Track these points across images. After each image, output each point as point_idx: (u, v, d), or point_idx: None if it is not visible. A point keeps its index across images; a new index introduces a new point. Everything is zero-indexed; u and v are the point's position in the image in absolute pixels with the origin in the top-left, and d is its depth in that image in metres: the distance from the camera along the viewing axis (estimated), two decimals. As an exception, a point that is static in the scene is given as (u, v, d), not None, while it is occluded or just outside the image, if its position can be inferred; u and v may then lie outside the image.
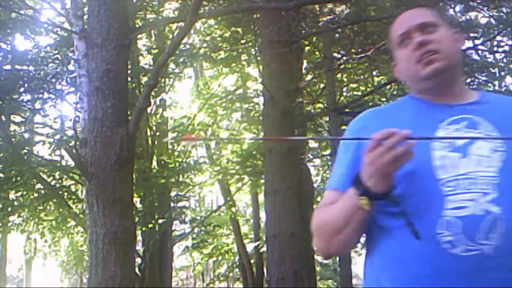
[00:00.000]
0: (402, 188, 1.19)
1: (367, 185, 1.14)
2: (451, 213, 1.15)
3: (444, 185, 1.19)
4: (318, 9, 8.54)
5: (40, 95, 7.92)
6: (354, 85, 11.55)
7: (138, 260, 8.67)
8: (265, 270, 11.32)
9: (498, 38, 9.68)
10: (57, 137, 7.71)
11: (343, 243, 1.26)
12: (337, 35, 9.27)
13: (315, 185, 13.78)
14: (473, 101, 1.35)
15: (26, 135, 8.88)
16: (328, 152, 9.99)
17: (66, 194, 8.59)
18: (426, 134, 1.23)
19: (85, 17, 5.30)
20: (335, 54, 9.56)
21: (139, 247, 9.43)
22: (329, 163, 9.51)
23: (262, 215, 11.38)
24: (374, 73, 10.83)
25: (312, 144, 12.65)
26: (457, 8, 9.26)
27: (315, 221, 1.31)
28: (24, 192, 8.53)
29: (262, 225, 12.42)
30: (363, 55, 7.59)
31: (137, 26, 7.98)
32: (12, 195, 8.87)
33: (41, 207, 8.93)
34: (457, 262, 1.13)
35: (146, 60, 10.04)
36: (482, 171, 1.19)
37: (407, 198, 1.18)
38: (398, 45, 1.38)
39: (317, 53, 10.11)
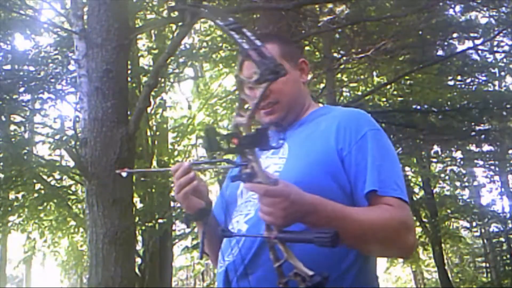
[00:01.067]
0: (224, 212, 1.41)
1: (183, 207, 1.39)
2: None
3: (237, 211, 1.38)
4: (318, 9, 8.54)
5: (40, 95, 7.92)
6: (354, 85, 11.55)
7: (138, 260, 8.67)
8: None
9: (498, 38, 9.67)
10: (57, 137, 7.71)
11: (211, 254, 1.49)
12: (337, 35, 9.27)
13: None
14: (296, 123, 1.46)
15: (26, 135, 8.87)
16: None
17: (66, 194, 8.59)
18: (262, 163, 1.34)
19: (85, 17, 5.30)
20: (335, 54, 9.56)
21: (139, 247, 9.43)
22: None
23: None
24: (374, 73, 10.84)
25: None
26: (457, 8, 9.25)
27: None
28: (24, 192, 8.53)
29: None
30: (363, 55, 7.60)
31: (137, 26, 7.97)
32: (12, 195, 8.87)
33: (41, 207, 8.92)
34: (217, 279, 1.34)
35: (146, 60, 10.04)
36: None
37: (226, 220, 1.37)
38: (245, 84, 1.40)
39: (317, 53, 10.11)
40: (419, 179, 15.05)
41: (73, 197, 8.76)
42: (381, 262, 23.25)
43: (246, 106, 1.19)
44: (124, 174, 1.51)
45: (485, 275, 16.28)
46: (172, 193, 10.44)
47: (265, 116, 1.44)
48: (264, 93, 1.28)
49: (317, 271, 1.05)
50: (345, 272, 1.27)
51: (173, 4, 10.22)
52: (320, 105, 1.55)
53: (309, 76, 1.50)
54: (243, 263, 1.26)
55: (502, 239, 14.50)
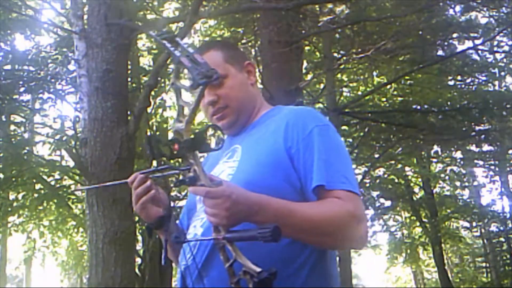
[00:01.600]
0: (186, 219, 1.46)
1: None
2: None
3: (195, 216, 1.41)
4: (318, 9, 8.54)
5: (40, 95, 7.92)
6: (354, 85, 11.55)
7: (138, 260, 8.67)
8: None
9: (498, 38, 9.67)
10: (57, 137, 7.71)
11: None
12: (337, 35, 9.27)
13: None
14: (248, 126, 1.49)
15: (26, 135, 8.87)
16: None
17: (66, 194, 8.59)
18: (216, 169, 1.43)
19: (85, 17, 5.30)
20: (335, 54, 9.56)
21: (139, 247, 9.42)
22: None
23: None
24: (374, 73, 10.84)
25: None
26: (457, 8, 9.25)
27: None
28: (24, 192, 8.53)
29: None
30: (363, 55, 7.59)
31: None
32: (12, 195, 8.87)
33: (41, 207, 8.93)
34: (179, 280, 1.37)
35: (146, 60, 10.04)
36: None
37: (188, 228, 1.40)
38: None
39: (317, 53, 10.11)
40: (419, 179, 15.05)
41: (73, 196, 8.76)
42: (381, 262, 23.28)
43: (185, 112, 1.22)
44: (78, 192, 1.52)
45: (485, 275, 16.28)
46: (172, 193, 10.45)
47: (217, 121, 1.48)
48: (211, 101, 1.41)
49: (266, 268, 1.07)
50: (300, 268, 1.28)
51: (173, 3, 10.24)
52: (271, 106, 1.57)
53: (256, 78, 1.54)
54: (197, 267, 1.29)
55: (502, 239, 14.51)
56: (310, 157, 1.31)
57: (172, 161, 1.24)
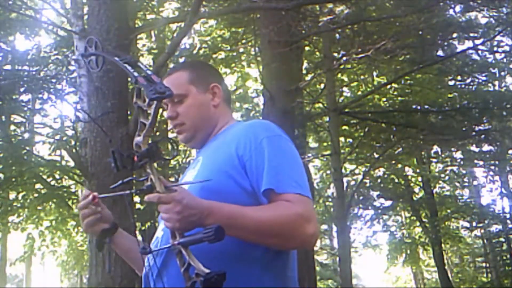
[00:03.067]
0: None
1: None
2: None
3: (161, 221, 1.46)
4: (318, 9, 8.54)
5: (40, 95, 7.92)
6: (354, 85, 11.55)
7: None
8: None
9: (498, 38, 9.66)
10: (57, 137, 7.71)
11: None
12: (337, 35, 9.27)
13: (315, 185, 13.79)
14: (210, 139, 1.61)
15: (26, 135, 8.87)
16: (328, 152, 9.99)
17: (65, 194, 8.59)
18: (183, 179, 1.53)
19: (85, 17, 5.30)
20: (335, 54, 9.56)
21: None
22: (329, 163, 9.51)
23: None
24: (374, 73, 10.84)
25: (312, 144, 12.66)
26: (457, 8, 9.25)
27: None
28: (24, 192, 8.53)
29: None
30: (363, 55, 7.59)
31: (137, 26, 7.97)
32: (12, 195, 8.87)
33: (41, 207, 8.92)
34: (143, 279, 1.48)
35: (146, 60, 10.03)
36: None
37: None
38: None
39: (317, 53, 10.11)
40: (419, 179, 15.05)
41: (73, 197, 8.75)
42: (381, 262, 23.27)
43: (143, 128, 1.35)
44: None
45: (485, 275, 16.27)
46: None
47: (177, 135, 1.63)
48: (170, 117, 1.54)
49: (218, 266, 1.16)
50: (251, 265, 1.37)
51: (173, 3, 10.23)
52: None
53: (221, 99, 1.64)
54: (157, 267, 1.39)
55: (502, 239, 14.49)
56: (261, 163, 1.40)
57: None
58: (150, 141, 1.30)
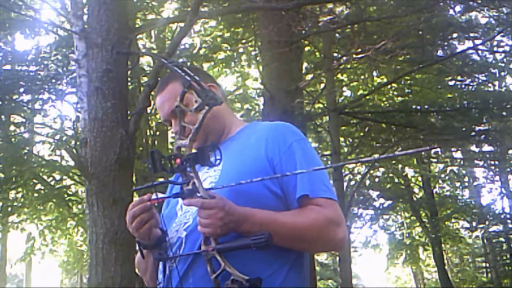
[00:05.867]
0: (165, 226, 1.48)
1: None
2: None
3: (176, 222, 1.48)
4: (318, 9, 8.53)
5: (40, 95, 7.92)
6: (354, 85, 11.55)
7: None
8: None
9: (498, 38, 9.66)
10: (57, 137, 7.71)
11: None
12: (337, 35, 9.27)
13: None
14: (225, 141, 1.59)
15: (26, 135, 8.87)
16: (328, 152, 10.00)
17: (66, 194, 8.59)
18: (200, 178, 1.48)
19: (85, 17, 5.30)
20: (335, 54, 9.56)
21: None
22: (329, 162, 9.50)
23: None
24: (374, 73, 10.83)
25: (312, 144, 12.65)
26: (457, 8, 9.25)
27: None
28: (24, 192, 8.53)
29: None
30: (363, 55, 7.59)
31: (137, 26, 7.97)
32: (12, 195, 8.87)
33: (41, 207, 8.92)
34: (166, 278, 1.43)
35: (146, 61, 10.03)
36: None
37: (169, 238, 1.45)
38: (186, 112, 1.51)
39: (317, 53, 10.10)
40: (419, 179, 15.05)
41: (73, 198, 8.76)
42: (381, 262, 23.27)
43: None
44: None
45: (485, 275, 16.27)
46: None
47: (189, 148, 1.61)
48: (177, 132, 1.46)
49: (252, 275, 1.20)
50: (279, 268, 1.38)
51: (173, 3, 10.23)
52: (244, 122, 1.69)
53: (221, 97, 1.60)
54: (179, 276, 1.37)
55: (502, 239, 14.49)
56: (293, 168, 1.42)
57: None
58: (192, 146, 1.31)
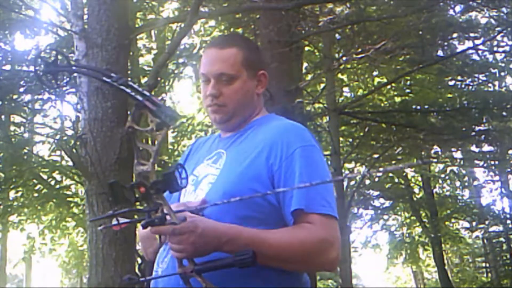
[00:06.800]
0: None
1: None
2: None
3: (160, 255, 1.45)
4: (318, 9, 8.53)
5: (40, 95, 7.91)
6: (354, 85, 11.55)
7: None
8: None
9: (498, 38, 9.67)
10: (57, 137, 7.71)
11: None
12: (337, 35, 9.27)
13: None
14: (236, 132, 1.50)
15: (26, 135, 8.87)
16: (328, 152, 10.00)
17: (65, 194, 8.59)
18: (199, 169, 1.46)
19: (85, 17, 5.30)
20: (335, 54, 9.56)
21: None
22: (329, 162, 9.51)
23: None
24: (374, 73, 10.83)
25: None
26: (457, 8, 9.25)
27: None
28: (24, 192, 8.53)
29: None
30: (363, 55, 7.59)
31: (137, 26, 7.97)
32: (12, 195, 8.87)
33: (40, 207, 8.92)
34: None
35: (146, 61, 10.04)
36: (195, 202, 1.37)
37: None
38: (201, 78, 1.50)
39: (317, 53, 10.10)
40: (419, 179, 15.04)
41: (73, 199, 8.76)
42: (381, 262, 23.27)
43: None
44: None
45: (485, 275, 16.28)
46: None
47: (210, 113, 1.51)
48: (212, 94, 1.42)
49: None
50: (267, 282, 1.32)
51: (173, 3, 10.23)
52: (266, 112, 1.60)
53: (264, 88, 1.59)
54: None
55: (502, 239, 14.49)
56: (291, 178, 1.32)
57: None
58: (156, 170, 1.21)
